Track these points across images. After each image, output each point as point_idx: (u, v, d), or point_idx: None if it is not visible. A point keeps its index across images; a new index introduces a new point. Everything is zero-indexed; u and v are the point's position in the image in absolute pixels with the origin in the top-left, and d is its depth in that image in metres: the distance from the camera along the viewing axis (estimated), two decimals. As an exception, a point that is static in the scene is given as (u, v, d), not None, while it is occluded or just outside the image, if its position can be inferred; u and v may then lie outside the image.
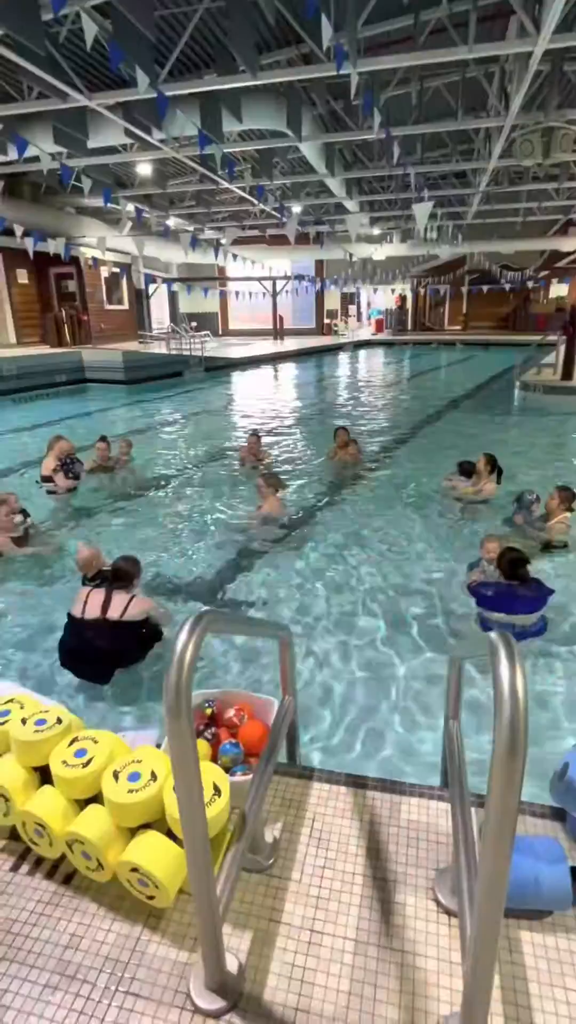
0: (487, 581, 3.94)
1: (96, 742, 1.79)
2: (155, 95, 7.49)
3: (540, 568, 4.47)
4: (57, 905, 1.67)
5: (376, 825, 1.86)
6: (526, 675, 1.05)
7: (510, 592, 3.67)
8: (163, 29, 8.29)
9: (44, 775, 1.81)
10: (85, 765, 1.71)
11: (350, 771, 2.10)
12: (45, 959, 1.53)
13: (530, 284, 23.86)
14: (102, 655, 3.42)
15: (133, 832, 1.65)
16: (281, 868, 1.74)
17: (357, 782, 2.02)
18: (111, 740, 1.82)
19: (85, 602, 3.57)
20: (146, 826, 1.66)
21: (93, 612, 3.53)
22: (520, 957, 1.50)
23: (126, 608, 3.51)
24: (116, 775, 1.66)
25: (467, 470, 6.37)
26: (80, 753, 1.75)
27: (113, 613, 3.50)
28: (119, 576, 3.69)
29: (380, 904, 1.63)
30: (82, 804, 1.73)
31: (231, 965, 1.48)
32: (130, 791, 1.61)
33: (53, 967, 1.51)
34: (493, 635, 1.15)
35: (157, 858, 1.55)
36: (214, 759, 1.97)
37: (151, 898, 1.59)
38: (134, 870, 1.55)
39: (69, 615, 3.59)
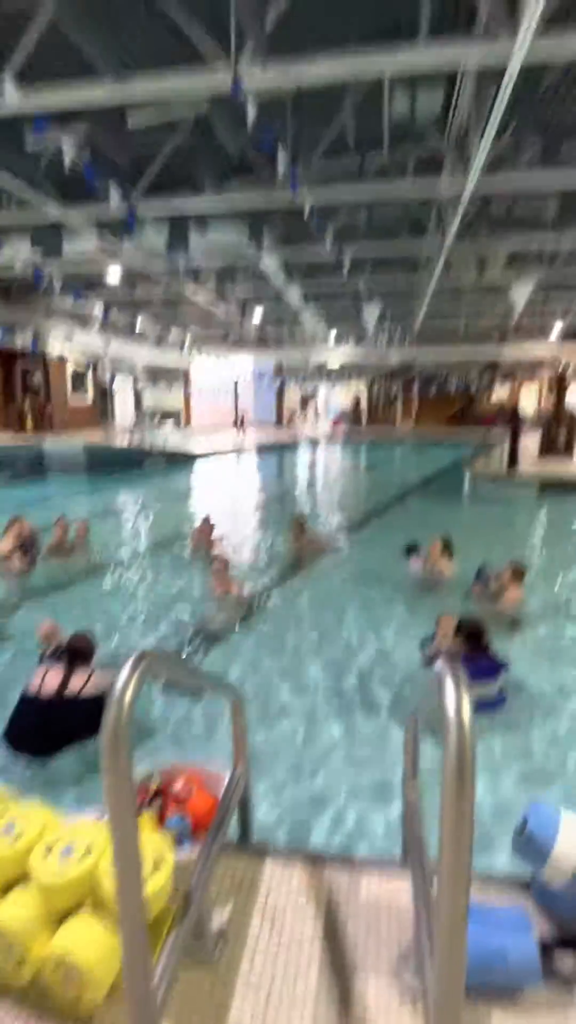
0: (443, 652, 3.92)
1: (28, 816, 1.64)
2: (127, 213, 8.19)
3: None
4: (-32, 1017, 1.45)
5: (333, 905, 1.72)
6: (472, 700, 1.05)
7: (469, 661, 3.65)
8: (136, 153, 9.21)
9: (-34, 858, 1.63)
10: (14, 841, 1.55)
11: (308, 847, 1.97)
12: None
13: (473, 387, 25.76)
14: (54, 731, 3.22)
15: (62, 918, 1.48)
16: (229, 957, 1.57)
17: (313, 859, 1.89)
18: (44, 814, 1.67)
19: (43, 679, 3.42)
20: (78, 909, 1.49)
21: (49, 690, 3.38)
22: (491, 1044, 1.36)
23: (85, 684, 3.38)
24: (48, 851, 1.51)
25: (414, 552, 6.52)
26: (8, 828, 1.59)
27: (72, 689, 3.36)
28: (75, 654, 3.55)
29: (339, 993, 1.48)
30: (7, 888, 1.55)
31: (169, 1075, 1.29)
32: (61, 867, 1.46)
33: None
34: (438, 665, 1.15)
35: (88, 947, 1.39)
36: (158, 835, 1.82)
37: (79, 999, 1.40)
38: (60, 963, 1.38)
39: (22, 694, 3.42)
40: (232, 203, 8.78)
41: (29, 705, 3.38)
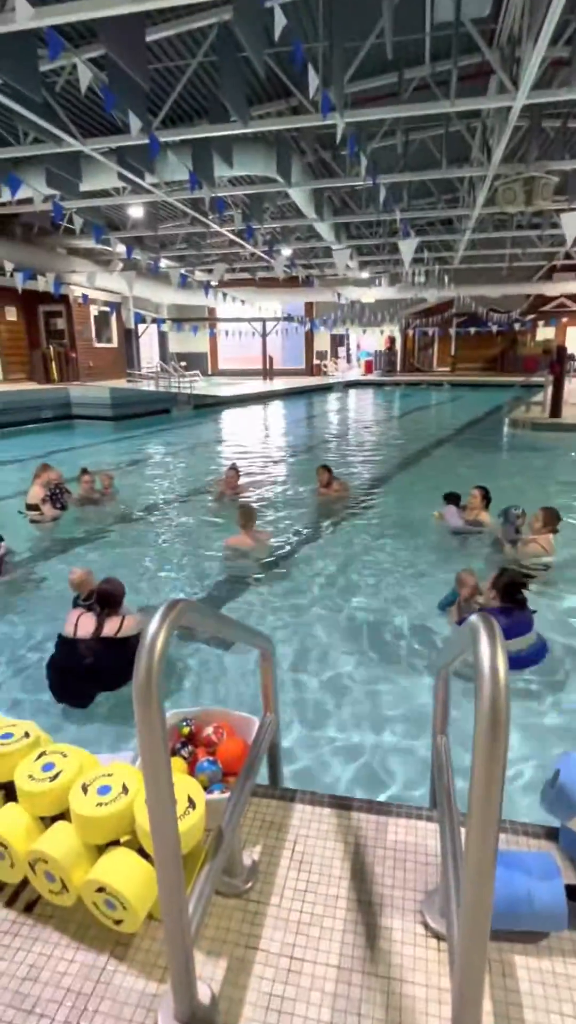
0: (479, 609, 3.91)
1: (65, 756, 1.73)
2: (147, 141, 7.86)
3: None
4: (16, 935, 1.58)
5: (361, 847, 1.79)
6: (506, 653, 1.04)
7: (507, 613, 3.62)
8: (157, 80, 8.77)
9: (8, 793, 1.74)
10: (52, 779, 1.65)
11: (335, 793, 2.04)
12: (0, 992, 1.44)
13: (517, 327, 24.69)
14: (94, 672, 3.39)
15: (101, 851, 1.58)
16: (259, 892, 1.66)
17: (341, 803, 1.96)
18: (81, 755, 1.76)
19: (76, 624, 3.56)
20: (116, 844, 1.59)
21: (84, 634, 3.53)
22: (514, 982, 1.43)
23: (119, 628, 3.51)
24: (85, 788, 1.60)
25: (453, 501, 6.45)
26: (48, 767, 1.68)
27: (107, 634, 3.51)
28: (105, 601, 3.66)
29: (365, 929, 1.56)
30: (48, 822, 1.66)
31: (203, 995, 1.39)
32: (99, 804, 1.55)
33: (8, 1000, 1.42)
34: (473, 618, 1.14)
35: (126, 875, 1.48)
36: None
37: (119, 922, 1.51)
38: (100, 890, 1.48)
39: (60, 636, 3.58)
40: (259, 129, 8.33)
41: (68, 647, 3.54)
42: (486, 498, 6.22)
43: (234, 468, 8.32)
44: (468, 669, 3.51)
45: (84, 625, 3.58)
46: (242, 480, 8.41)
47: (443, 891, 1.55)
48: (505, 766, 1.01)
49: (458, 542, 6.09)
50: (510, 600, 3.69)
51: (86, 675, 3.40)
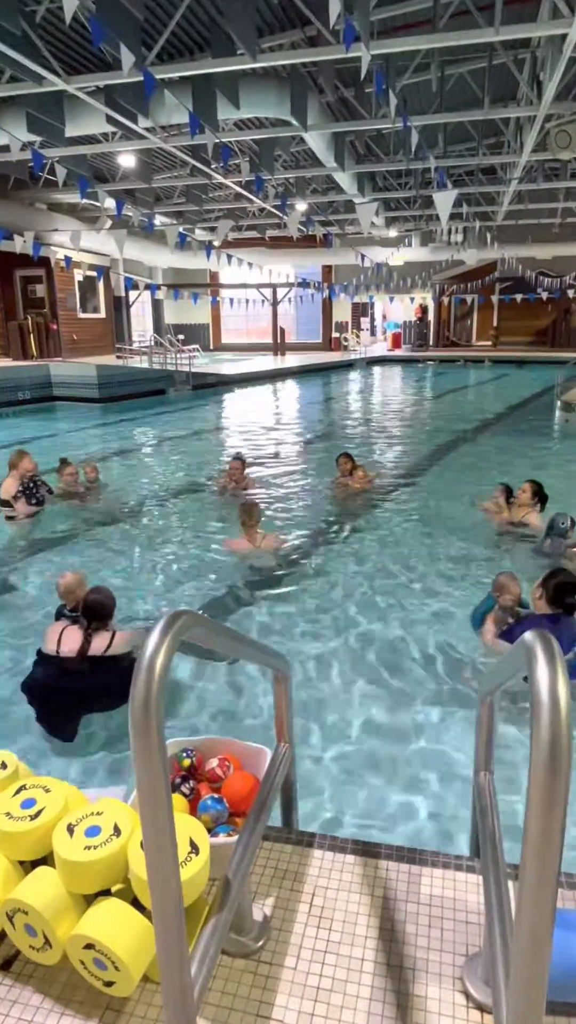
0: (523, 619, 3.87)
1: (48, 791, 1.74)
2: (141, 78, 7.87)
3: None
4: (-8, 997, 1.59)
5: (391, 902, 1.79)
6: (568, 675, 1.02)
7: (556, 626, 3.58)
8: (152, 8, 8.78)
9: (-18, 833, 1.75)
10: (33, 817, 1.65)
11: (358, 837, 2.04)
12: (-27, 1063, 1.45)
13: (571, 293, 24.46)
14: (80, 695, 3.40)
15: (90, 901, 1.59)
16: (272, 952, 1.66)
17: (367, 850, 1.96)
18: (66, 790, 1.77)
19: (60, 638, 3.58)
20: (107, 893, 1.59)
21: (68, 650, 3.55)
22: (572, 1064, 1.41)
23: (109, 645, 3.53)
24: (71, 829, 1.61)
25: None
26: (28, 804, 1.69)
27: (95, 651, 3.53)
28: (94, 614, 3.68)
29: (395, 997, 1.55)
30: (28, 867, 1.67)
31: (207, 1071, 1.40)
32: (87, 847, 1.55)
33: (-17, 1072, 1.43)
34: (528, 635, 1.13)
35: (118, 931, 1.48)
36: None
37: (110, 984, 1.51)
38: (89, 947, 1.48)
39: (39, 652, 3.61)
40: (270, 64, 8.32)
41: (49, 665, 3.56)
42: (537, 495, 6.16)
43: (239, 458, 8.35)
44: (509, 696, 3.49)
45: (69, 640, 3.60)
46: (248, 472, 8.43)
47: (488, 955, 1.54)
48: (566, 809, 1.00)
49: (502, 544, 6.06)
50: (559, 604, 3.65)
51: (71, 698, 3.42)
